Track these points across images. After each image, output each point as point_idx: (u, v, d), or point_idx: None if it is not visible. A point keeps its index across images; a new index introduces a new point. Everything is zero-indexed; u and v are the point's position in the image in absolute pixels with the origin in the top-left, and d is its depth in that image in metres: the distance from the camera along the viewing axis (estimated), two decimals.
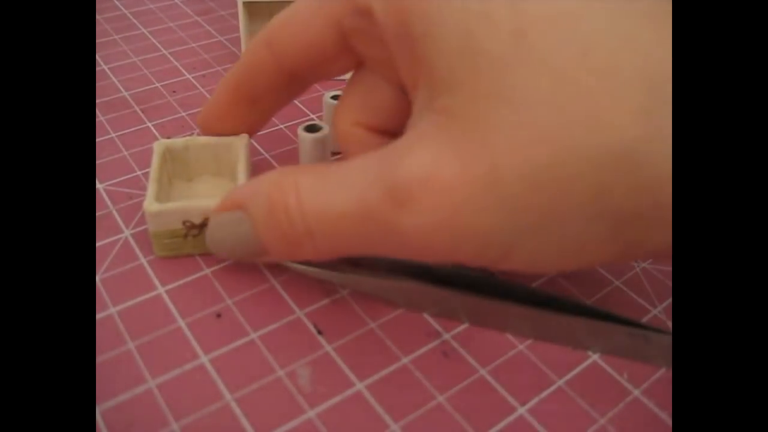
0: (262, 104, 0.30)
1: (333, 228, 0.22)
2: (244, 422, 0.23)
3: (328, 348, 0.26)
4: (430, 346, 0.27)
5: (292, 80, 0.28)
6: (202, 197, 0.30)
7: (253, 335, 0.27)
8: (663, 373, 0.26)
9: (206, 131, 0.32)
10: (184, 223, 0.28)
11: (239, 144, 0.31)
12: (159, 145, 0.31)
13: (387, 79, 0.26)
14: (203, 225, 0.28)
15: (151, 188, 0.29)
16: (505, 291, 0.28)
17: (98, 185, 0.34)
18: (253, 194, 0.24)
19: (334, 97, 0.36)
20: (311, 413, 0.24)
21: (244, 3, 0.42)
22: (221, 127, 0.31)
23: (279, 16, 0.27)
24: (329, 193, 0.22)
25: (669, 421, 0.25)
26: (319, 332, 0.27)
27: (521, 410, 0.25)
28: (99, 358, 0.25)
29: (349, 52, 0.26)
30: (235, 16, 0.54)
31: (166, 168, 0.31)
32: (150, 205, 0.28)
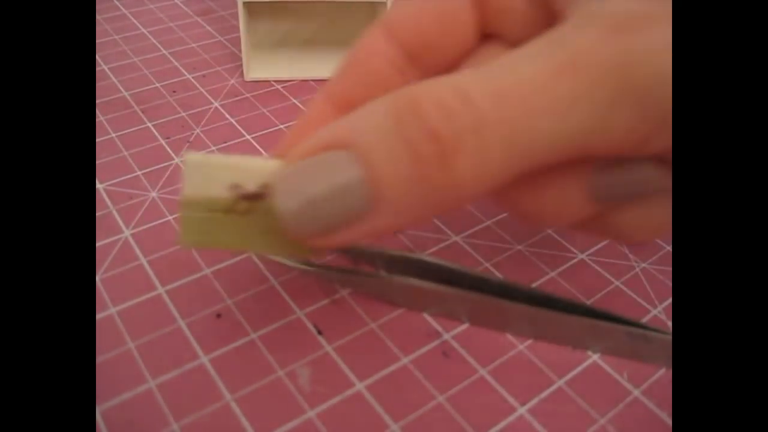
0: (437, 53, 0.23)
1: (522, 102, 0.16)
2: (244, 422, 0.23)
3: (328, 348, 0.26)
4: (430, 346, 0.27)
5: (409, 65, 0.23)
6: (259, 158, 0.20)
7: (253, 335, 0.27)
8: (663, 373, 0.26)
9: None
10: (232, 188, 0.20)
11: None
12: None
13: None
14: (257, 196, 0.20)
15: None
16: (505, 291, 0.28)
17: (98, 185, 0.34)
18: (362, 120, 0.17)
19: None
20: (311, 413, 0.24)
21: (244, 3, 0.42)
22: None
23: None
24: (508, 70, 0.16)
25: (669, 421, 0.25)
26: (319, 332, 0.27)
27: (521, 410, 0.25)
28: (99, 358, 0.25)
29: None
30: (235, 16, 0.54)
31: None
32: (191, 154, 0.20)
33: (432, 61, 0.23)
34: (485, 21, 0.23)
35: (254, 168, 0.19)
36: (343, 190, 0.17)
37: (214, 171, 0.20)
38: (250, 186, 0.20)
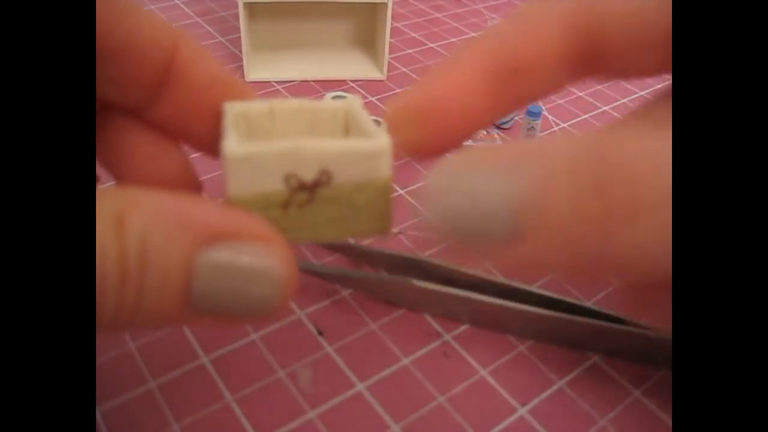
0: (527, 78, 0.20)
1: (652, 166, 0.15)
2: (245, 423, 0.23)
3: (329, 348, 0.26)
4: (431, 346, 0.27)
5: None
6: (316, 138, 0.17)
7: (254, 336, 0.27)
8: (663, 374, 0.26)
9: (412, 128, 0.19)
10: (287, 179, 0.17)
11: (353, 107, 0.20)
12: (232, 107, 0.20)
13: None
14: (317, 184, 0.17)
15: (231, 132, 0.18)
16: (505, 292, 0.28)
17: (99, 186, 0.34)
18: (548, 150, 0.15)
19: (335, 98, 0.36)
20: (312, 414, 0.24)
21: (244, 4, 0.42)
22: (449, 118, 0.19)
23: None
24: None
25: (669, 422, 0.25)
26: (320, 333, 0.27)
27: (522, 411, 0.25)
28: (100, 359, 0.25)
29: None
30: (236, 16, 0.54)
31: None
32: (233, 146, 0.17)
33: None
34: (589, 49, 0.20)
35: (308, 152, 0.17)
36: (498, 205, 0.15)
37: (263, 162, 0.17)
38: (307, 174, 0.17)
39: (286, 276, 0.16)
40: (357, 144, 0.17)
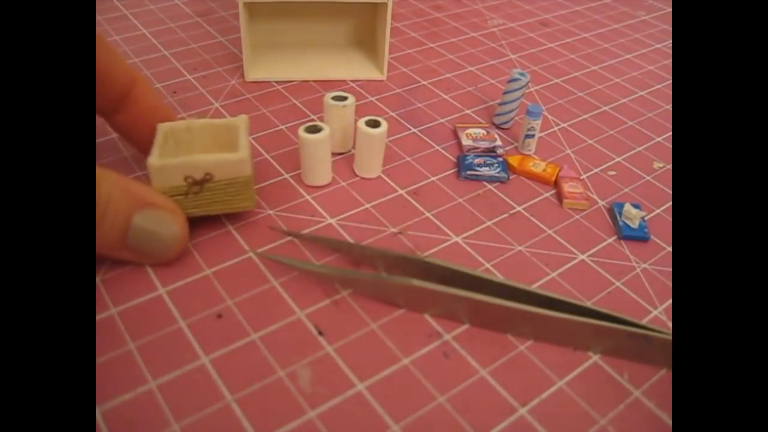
0: None
1: None
2: (245, 423, 0.23)
3: (329, 348, 0.26)
4: (431, 346, 0.27)
5: None
6: (204, 153, 0.30)
7: (254, 336, 0.27)
8: (663, 374, 0.26)
9: None
10: (186, 179, 0.29)
11: (239, 124, 0.31)
12: (163, 126, 0.31)
13: None
14: (204, 181, 0.29)
15: (156, 150, 0.29)
16: (505, 291, 0.28)
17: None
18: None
19: (335, 98, 0.36)
20: (312, 414, 0.24)
21: (244, 3, 0.42)
22: None
23: None
24: None
25: (669, 422, 0.25)
26: (320, 333, 0.27)
27: (522, 411, 0.25)
28: (100, 359, 0.25)
29: None
30: (236, 16, 0.54)
31: (168, 148, 0.31)
32: (153, 160, 0.28)
33: None
34: None
35: (197, 162, 0.29)
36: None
37: (170, 169, 0.29)
38: (198, 175, 0.29)
39: (181, 233, 0.29)
40: (227, 156, 0.29)
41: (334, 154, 0.37)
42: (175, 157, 0.29)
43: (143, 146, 0.33)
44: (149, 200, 0.28)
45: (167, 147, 0.31)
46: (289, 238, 0.32)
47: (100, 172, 0.26)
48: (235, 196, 0.31)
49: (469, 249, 0.32)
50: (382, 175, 0.36)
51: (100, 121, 0.40)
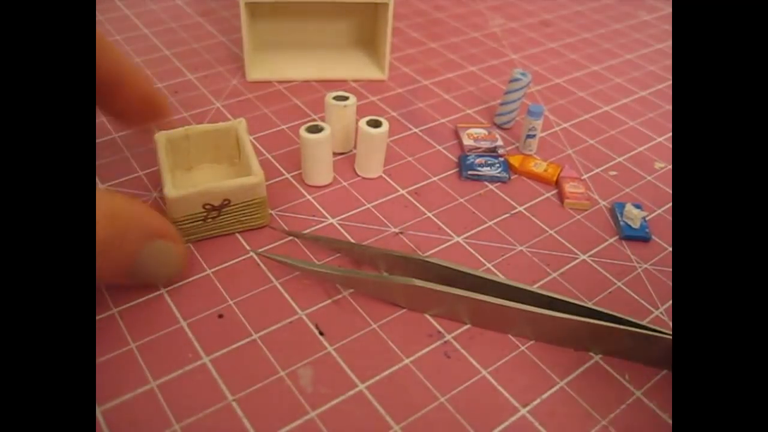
0: None
1: None
2: (246, 423, 0.23)
3: (330, 348, 0.26)
4: (432, 346, 0.27)
5: None
6: (219, 180, 0.30)
7: (255, 336, 0.27)
8: (664, 374, 0.26)
9: None
10: (204, 206, 0.29)
11: (238, 128, 0.32)
12: (161, 137, 0.32)
13: None
14: (222, 206, 0.30)
15: (167, 178, 0.29)
16: (506, 291, 0.28)
17: (99, 185, 0.34)
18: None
19: (336, 98, 0.36)
20: (312, 414, 0.24)
21: (245, 3, 0.42)
22: None
23: None
24: None
25: (669, 422, 0.25)
26: (321, 333, 0.27)
27: (523, 411, 0.25)
28: (101, 359, 0.25)
29: None
30: (237, 16, 0.54)
31: (168, 159, 0.31)
32: (171, 191, 0.29)
33: None
34: None
35: (216, 190, 0.29)
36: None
37: (189, 199, 0.29)
38: (216, 201, 0.30)
39: (182, 262, 0.28)
40: (244, 180, 0.30)
41: (335, 154, 0.37)
42: (192, 187, 0.29)
43: (136, 125, 0.34)
44: (160, 231, 0.27)
45: (167, 159, 0.31)
46: (290, 237, 0.32)
47: (120, 199, 0.25)
48: (251, 216, 0.31)
49: (470, 249, 0.32)
50: (383, 175, 0.36)
51: (100, 120, 0.40)
